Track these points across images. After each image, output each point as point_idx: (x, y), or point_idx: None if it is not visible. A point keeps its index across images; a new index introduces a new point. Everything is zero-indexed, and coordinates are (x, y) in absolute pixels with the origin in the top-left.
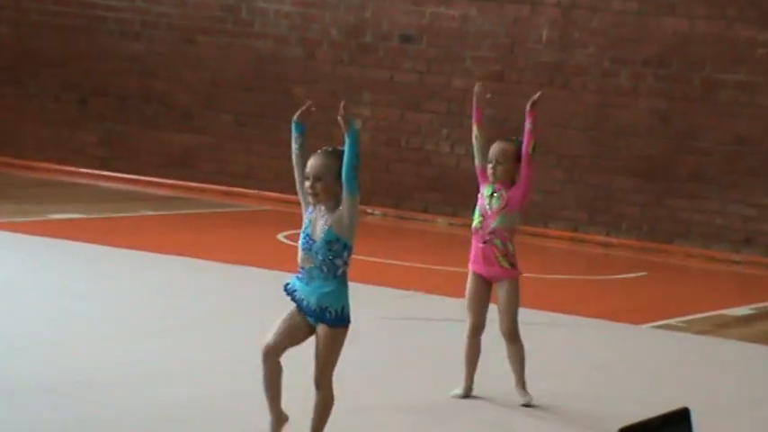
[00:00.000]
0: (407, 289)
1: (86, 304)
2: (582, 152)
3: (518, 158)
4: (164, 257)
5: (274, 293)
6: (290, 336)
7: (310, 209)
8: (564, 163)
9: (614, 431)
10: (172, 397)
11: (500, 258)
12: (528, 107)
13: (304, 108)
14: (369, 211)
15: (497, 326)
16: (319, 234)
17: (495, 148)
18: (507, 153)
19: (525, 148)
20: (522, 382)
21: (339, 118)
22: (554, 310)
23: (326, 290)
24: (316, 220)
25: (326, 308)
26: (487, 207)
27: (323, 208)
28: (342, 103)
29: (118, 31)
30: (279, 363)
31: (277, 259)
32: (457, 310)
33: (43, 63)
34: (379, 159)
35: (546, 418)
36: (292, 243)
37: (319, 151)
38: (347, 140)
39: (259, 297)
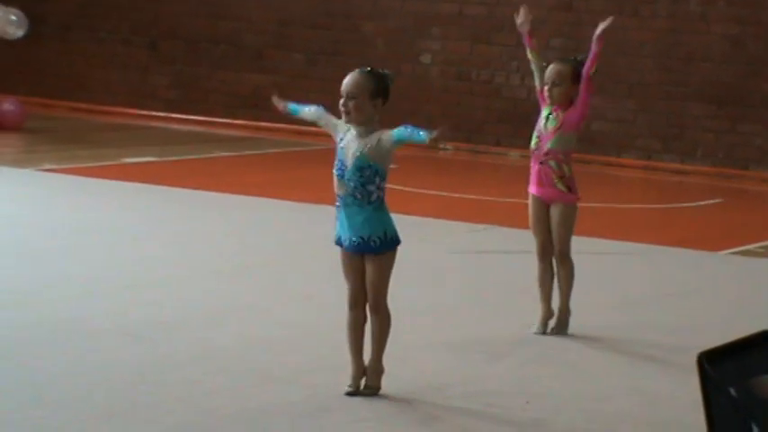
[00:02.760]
0: (481, 223)
1: (162, 247)
2: (653, 80)
3: (574, 79)
4: (237, 198)
5: None
6: (362, 279)
7: (341, 134)
8: (636, 92)
9: (695, 357)
10: (248, 336)
11: (556, 180)
12: (598, 33)
13: (279, 106)
14: (441, 146)
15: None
16: (350, 160)
17: (550, 70)
18: (562, 74)
19: (587, 70)
20: (566, 306)
21: (440, 131)
22: (630, 240)
23: (362, 218)
24: (348, 146)
25: (369, 237)
26: (543, 128)
27: (354, 132)
28: (445, 127)
29: None
30: (363, 312)
31: None
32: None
33: (113, 8)
34: (449, 94)
35: (624, 349)
36: None
37: (356, 70)
38: (419, 135)
39: (325, 234)
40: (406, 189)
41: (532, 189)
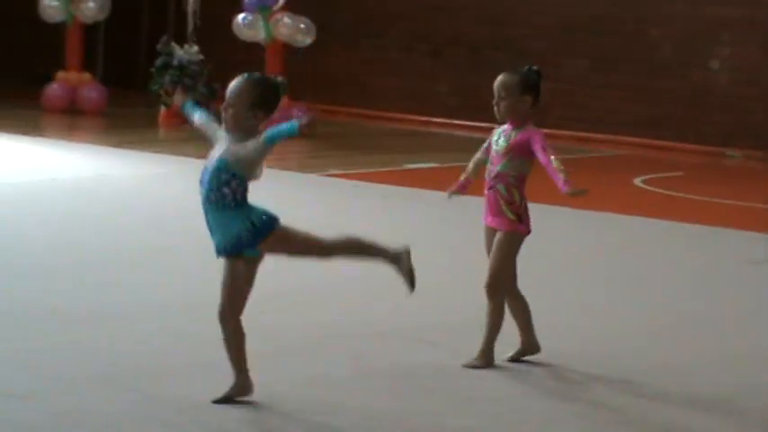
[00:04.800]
0: None
1: (438, 253)
2: None
3: (523, 91)
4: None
5: (631, 239)
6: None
7: (216, 143)
8: None
9: None
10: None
11: (504, 208)
12: (564, 190)
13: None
14: (728, 153)
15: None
16: (212, 161)
17: (496, 83)
18: (508, 86)
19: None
20: (485, 347)
21: (308, 118)
22: None
23: (220, 222)
24: (215, 150)
25: (238, 235)
26: (494, 151)
27: (228, 137)
28: (313, 115)
29: None
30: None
31: (634, 204)
32: None
33: (396, 16)
34: (739, 99)
35: None
36: (650, 188)
37: (242, 76)
38: (288, 127)
39: (616, 243)
40: (694, 197)
41: (485, 219)
